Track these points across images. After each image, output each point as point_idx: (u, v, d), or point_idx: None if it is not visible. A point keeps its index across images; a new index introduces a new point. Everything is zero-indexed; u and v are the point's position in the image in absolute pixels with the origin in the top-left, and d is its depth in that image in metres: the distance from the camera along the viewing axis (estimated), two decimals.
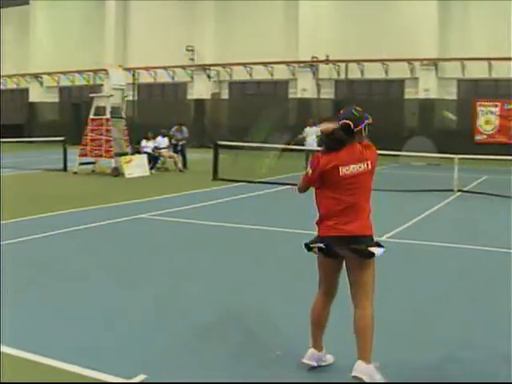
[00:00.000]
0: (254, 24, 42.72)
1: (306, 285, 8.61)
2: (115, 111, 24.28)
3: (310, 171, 5.48)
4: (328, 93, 41.01)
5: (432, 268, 9.72)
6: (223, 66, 43.90)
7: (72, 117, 46.39)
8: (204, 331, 6.61)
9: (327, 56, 39.74)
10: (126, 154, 23.72)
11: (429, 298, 8.02)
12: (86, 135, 23.98)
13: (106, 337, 6.36)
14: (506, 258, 10.47)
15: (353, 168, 5.49)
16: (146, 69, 45.30)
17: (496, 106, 36.00)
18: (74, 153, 24.46)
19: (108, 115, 23.77)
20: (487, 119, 36.23)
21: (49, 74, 50.26)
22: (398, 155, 29.12)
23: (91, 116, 24.17)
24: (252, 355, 5.93)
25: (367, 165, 5.63)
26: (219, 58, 44.04)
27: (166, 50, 44.35)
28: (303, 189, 5.71)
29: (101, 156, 23.74)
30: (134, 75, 33.72)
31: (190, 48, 44.50)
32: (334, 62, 40.04)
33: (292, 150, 27.19)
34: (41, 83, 51.66)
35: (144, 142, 25.35)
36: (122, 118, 24.51)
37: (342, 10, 40.10)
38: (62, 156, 24.84)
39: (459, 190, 18.85)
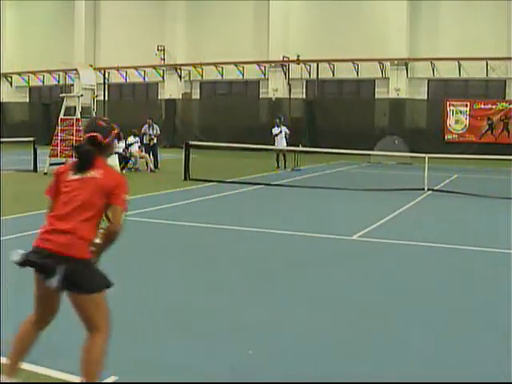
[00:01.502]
0: (225, 24, 42.66)
1: (271, 285, 8.63)
2: (85, 111, 24.11)
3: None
4: (299, 93, 41.08)
5: (402, 266, 9.77)
6: (194, 65, 43.80)
7: (42, 117, 46.01)
8: (175, 331, 6.59)
9: (298, 56, 39.80)
10: None
11: (398, 297, 8.07)
12: (57, 135, 23.79)
13: (75, 340, 6.30)
14: (476, 255, 10.57)
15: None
16: (117, 68, 45.07)
17: (466, 105, 36.29)
18: (44, 153, 24.24)
19: (78, 115, 23.61)
20: (457, 119, 36.50)
21: (18, 73, 49.81)
22: (369, 154, 29.35)
23: (61, 116, 23.97)
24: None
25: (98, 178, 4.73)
26: (190, 58, 43.93)
27: (136, 49, 44.12)
28: None
29: (71, 156, 23.54)
30: (104, 75, 33.59)
31: (160, 48, 44.36)
32: (305, 61, 40.12)
33: (262, 149, 27.27)
34: (10, 83, 51.17)
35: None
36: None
37: (312, 10, 40.21)
38: (31, 157, 24.62)
39: (430, 189, 18.96)
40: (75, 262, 4.57)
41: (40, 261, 4.56)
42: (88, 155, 4.74)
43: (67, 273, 4.53)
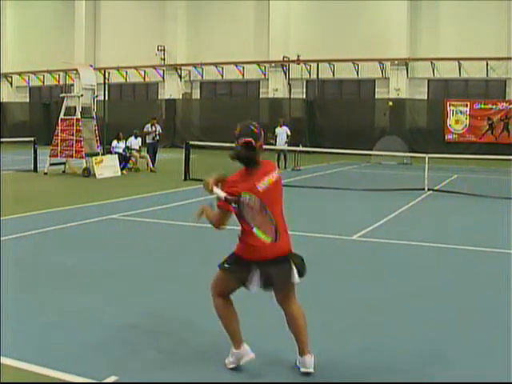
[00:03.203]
0: (225, 24, 42.67)
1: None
2: (86, 111, 24.10)
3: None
4: (299, 93, 41.06)
5: (402, 266, 9.77)
6: (194, 65, 43.80)
7: (42, 117, 46.02)
8: (175, 331, 6.58)
9: (298, 56, 39.81)
10: (96, 154, 23.58)
11: (399, 296, 8.07)
12: (57, 135, 23.79)
13: (75, 340, 6.30)
14: (476, 255, 10.57)
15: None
16: (117, 68, 45.05)
17: (466, 105, 36.27)
18: (44, 153, 24.24)
19: (78, 115, 23.60)
20: (457, 118, 36.49)
21: (18, 73, 49.81)
22: (369, 154, 29.32)
23: (62, 116, 23.98)
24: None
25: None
26: (190, 58, 43.94)
27: (137, 49, 44.13)
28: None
29: (71, 156, 23.55)
30: (104, 75, 33.66)
31: (161, 48, 44.37)
32: (305, 61, 40.12)
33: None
34: (10, 83, 51.17)
35: (115, 143, 25.22)
36: (92, 118, 24.35)
37: (312, 10, 40.22)
38: (32, 157, 24.62)
39: (430, 189, 18.96)
40: None
41: None
42: (249, 159, 5.35)
43: None
